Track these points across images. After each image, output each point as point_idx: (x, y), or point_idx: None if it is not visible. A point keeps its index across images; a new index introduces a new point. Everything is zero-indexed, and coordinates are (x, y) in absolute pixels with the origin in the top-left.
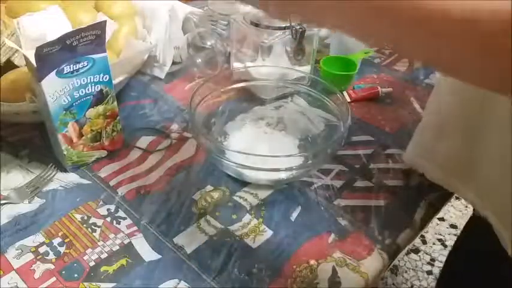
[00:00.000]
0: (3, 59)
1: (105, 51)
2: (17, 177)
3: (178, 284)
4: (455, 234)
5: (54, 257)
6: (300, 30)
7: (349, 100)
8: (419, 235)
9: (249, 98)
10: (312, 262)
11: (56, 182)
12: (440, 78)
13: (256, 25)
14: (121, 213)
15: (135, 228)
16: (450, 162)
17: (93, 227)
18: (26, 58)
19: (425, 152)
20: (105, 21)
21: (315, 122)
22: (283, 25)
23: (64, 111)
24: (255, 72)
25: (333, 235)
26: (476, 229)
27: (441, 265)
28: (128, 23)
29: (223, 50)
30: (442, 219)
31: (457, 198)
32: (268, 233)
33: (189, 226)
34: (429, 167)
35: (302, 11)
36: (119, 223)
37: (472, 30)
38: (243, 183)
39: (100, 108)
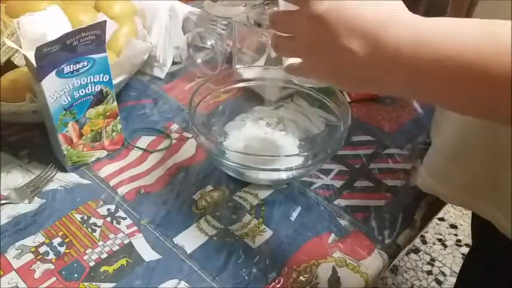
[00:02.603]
0: (3, 59)
1: (105, 51)
2: (17, 177)
3: (178, 284)
4: (455, 234)
5: (54, 257)
6: None
7: (349, 100)
8: (419, 235)
9: (249, 98)
10: (312, 262)
11: (56, 182)
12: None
13: (259, 25)
14: (121, 213)
15: (135, 228)
16: (471, 184)
17: (93, 227)
18: (26, 58)
19: (441, 176)
20: (105, 21)
21: (315, 122)
22: None
23: (64, 111)
24: (257, 73)
25: (333, 235)
26: (488, 239)
27: (441, 265)
28: (128, 23)
29: (223, 50)
30: (442, 219)
31: None
32: (268, 233)
33: (189, 226)
34: (447, 191)
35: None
36: (119, 223)
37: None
38: (243, 183)
39: (100, 108)
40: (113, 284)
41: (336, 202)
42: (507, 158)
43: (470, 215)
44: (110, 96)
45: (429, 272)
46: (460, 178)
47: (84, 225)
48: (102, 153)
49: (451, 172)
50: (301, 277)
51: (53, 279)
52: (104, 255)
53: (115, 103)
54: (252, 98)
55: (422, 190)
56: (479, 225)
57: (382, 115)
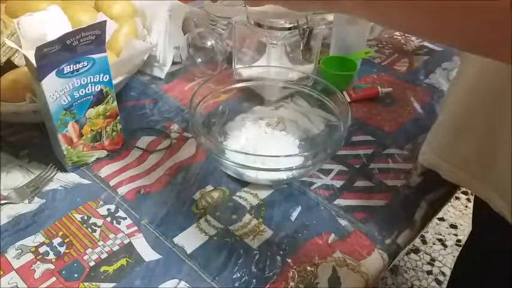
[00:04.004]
0: (3, 59)
1: (105, 51)
2: (17, 177)
3: (178, 284)
4: (455, 234)
5: (54, 257)
6: (308, 29)
7: (349, 100)
8: (419, 235)
9: (249, 98)
10: (312, 262)
11: (56, 182)
12: (455, 79)
13: (259, 25)
14: (121, 213)
15: (135, 228)
16: (469, 163)
17: (93, 227)
18: (26, 58)
19: (443, 152)
20: (105, 21)
21: (315, 122)
22: (287, 25)
23: (64, 111)
24: (256, 73)
25: (333, 235)
26: (485, 230)
27: (441, 265)
28: (128, 23)
29: (223, 50)
30: (442, 219)
31: (457, 198)
32: (268, 233)
33: (189, 226)
34: (448, 167)
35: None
36: (119, 223)
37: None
38: (243, 183)
39: (100, 108)
40: (113, 284)
41: (336, 202)
42: (504, 139)
43: (471, 215)
44: (110, 96)
45: (429, 272)
46: (460, 156)
47: (84, 225)
48: (102, 153)
49: (452, 149)
50: (301, 277)
51: (53, 279)
52: (104, 255)
53: (115, 103)
54: (252, 98)
55: (424, 165)
56: (479, 204)
57: (382, 115)
